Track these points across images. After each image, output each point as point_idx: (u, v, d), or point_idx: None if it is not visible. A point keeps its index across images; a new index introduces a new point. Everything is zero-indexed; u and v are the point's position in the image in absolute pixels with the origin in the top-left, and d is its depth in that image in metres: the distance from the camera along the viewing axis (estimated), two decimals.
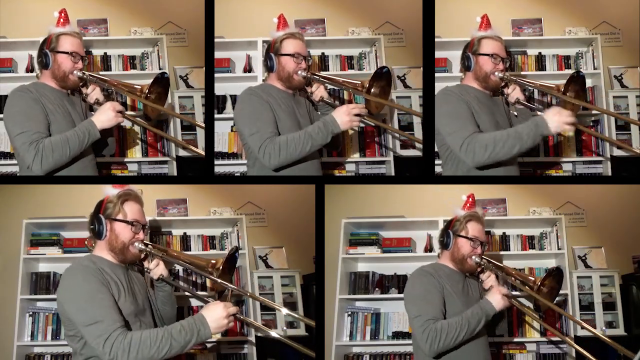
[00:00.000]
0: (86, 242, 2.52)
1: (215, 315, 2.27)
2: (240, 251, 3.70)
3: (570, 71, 3.66)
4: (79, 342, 2.27)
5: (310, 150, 2.82)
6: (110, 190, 2.46)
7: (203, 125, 3.23)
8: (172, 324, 2.27)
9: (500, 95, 3.01)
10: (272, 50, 2.96)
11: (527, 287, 2.82)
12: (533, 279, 2.84)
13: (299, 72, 2.93)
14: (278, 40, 2.95)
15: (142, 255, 2.49)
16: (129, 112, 3.41)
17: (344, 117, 2.83)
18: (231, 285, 2.50)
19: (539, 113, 2.83)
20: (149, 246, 2.48)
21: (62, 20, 2.89)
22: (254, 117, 2.84)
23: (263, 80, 3.11)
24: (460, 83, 2.99)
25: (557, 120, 2.72)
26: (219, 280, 2.51)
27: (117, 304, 2.27)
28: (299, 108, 2.99)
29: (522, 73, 3.68)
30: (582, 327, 3.08)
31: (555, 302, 3.64)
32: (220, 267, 2.51)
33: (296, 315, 2.79)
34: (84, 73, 2.86)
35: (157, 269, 2.54)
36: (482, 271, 2.80)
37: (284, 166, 2.83)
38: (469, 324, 2.57)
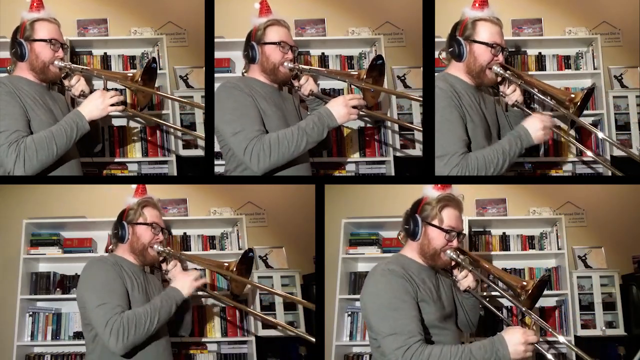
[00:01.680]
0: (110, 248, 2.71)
1: (183, 281, 2.52)
2: (240, 251, 3.70)
3: (571, 71, 3.69)
4: (92, 332, 2.42)
5: (304, 149, 2.54)
6: (132, 199, 2.63)
7: (202, 135, 3.13)
8: (154, 299, 2.46)
9: (492, 90, 2.67)
10: (253, 38, 2.66)
11: (511, 291, 2.46)
12: (524, 283, 2.42)
13: (285, 63, 2.65)
14: (261, 28, 2.65)
15: (161, 258, 2.63)
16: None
17: (342, 109, 2.54)
18: (248, 281, 2.69)
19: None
20: (167, 249, 2.63)
21: (35, 4, 2.61)
22: (237, 113, 2.54)
23: (243, 74, 2.81)
24: (447, 72, 2.59)
25: (542, 130, 2.46)
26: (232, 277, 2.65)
27: (127, 294, 2.43)
28: (286, 104, 2.74)
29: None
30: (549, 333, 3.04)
31: (555, 302, 3.70)
32: (235, 269, 2.63)
33: (295, 298, 2.81)
34: (65, 63, 2.64)
35: (174, 270, 2.66)
36: (456, 267, 2.41)
37: (271, 170, 2.57)
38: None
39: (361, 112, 2.67)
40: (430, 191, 2.37)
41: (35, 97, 2.57)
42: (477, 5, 2.50)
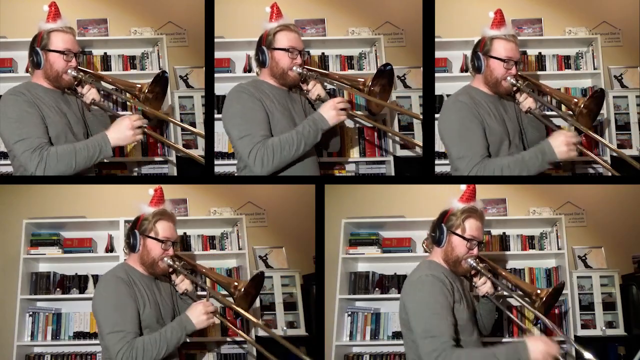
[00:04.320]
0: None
1: (197, 313, 2.57)
2: (240, 251, 3.71)
3: (571, 71, 3.69)
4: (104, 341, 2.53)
5: (303, 151, 2.69)
6: (147, 209, 2.67)
7: (202, 132, 3.19)
8: (164, 327, 2.57)
9: (512, 100, 2.87)
10: (264, 43, 2.75)
11: (526, 298, 2.62)
12: (538, 291, 2.60)
13: (294, 68, 2.75)
14: (271, 33, 2.74)
15: (170, 270, 2.68)
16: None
17: (331, 111, 2.70)
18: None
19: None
20: (177, 262, 2.67)
21: (52, 15, 2.71)
22: (244, 117, 2.67)
23: (257, 74, 2.92)
24: (470, 85, 2.85)
25: (565, 146, 2.61)
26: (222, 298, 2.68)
27: (139, 316, 2.53)
28: (295, 106, 2.84)
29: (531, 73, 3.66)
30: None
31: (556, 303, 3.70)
32: (242, 289, 2.74)
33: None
34: (78, 71, 2.74)
35: (182, 284, 2.72)
36: (476, 274, 2.59)
37: (276, 171, 2.70)
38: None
39: (365, 121, 2.90)
40: (456, 203, 2.54)
41: (51, 103, 2.70)
42: (495, 25, 2.77)
